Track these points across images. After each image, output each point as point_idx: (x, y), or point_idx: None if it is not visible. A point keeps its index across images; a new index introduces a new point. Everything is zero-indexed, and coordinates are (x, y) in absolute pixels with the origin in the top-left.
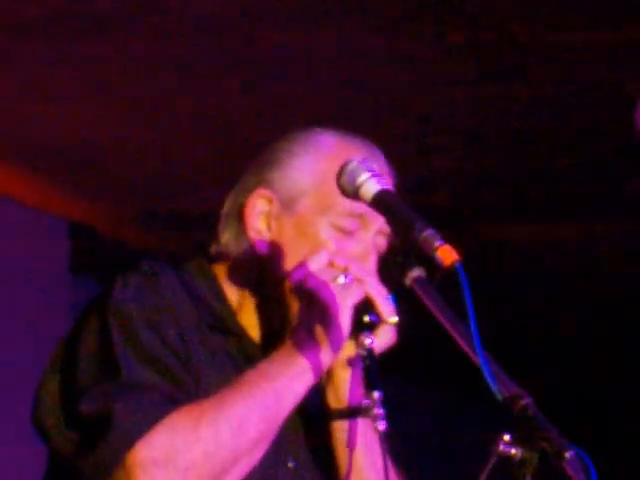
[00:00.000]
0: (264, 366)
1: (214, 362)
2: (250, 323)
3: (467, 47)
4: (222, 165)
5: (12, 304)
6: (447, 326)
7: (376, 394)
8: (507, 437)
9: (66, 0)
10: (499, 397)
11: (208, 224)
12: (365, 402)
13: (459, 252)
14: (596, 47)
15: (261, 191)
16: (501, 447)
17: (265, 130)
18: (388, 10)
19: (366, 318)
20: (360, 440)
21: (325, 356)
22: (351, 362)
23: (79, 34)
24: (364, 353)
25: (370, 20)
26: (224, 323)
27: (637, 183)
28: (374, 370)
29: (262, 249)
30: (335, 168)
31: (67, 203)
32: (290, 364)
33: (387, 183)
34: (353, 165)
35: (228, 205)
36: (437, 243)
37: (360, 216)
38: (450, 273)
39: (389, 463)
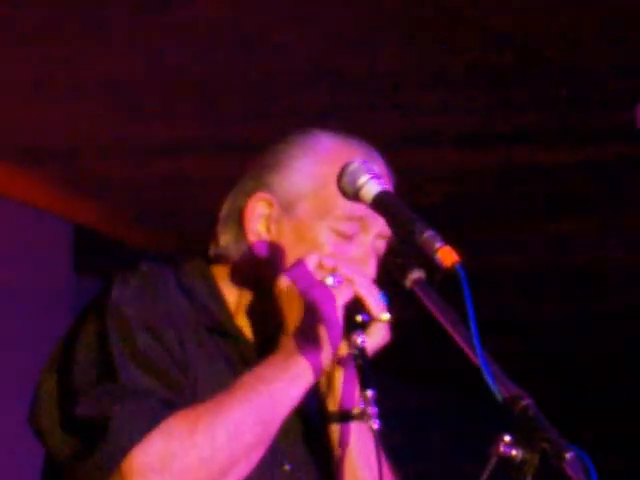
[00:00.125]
0: (260, 370)
1: (211, 365)
2: (248, 325)
3: None
4: (227, 166)
5: (15, 304)
6: (447, 327)
7: (369, 393)
8: (507, 438)
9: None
10: (499, 398)
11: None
12: (359, 402)
13: (459, 254)
14: None
15: (261, 194)
16: (501, 448)
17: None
18: None
19: (358, 317)
20: (354, 439)
21: (321, 358)
22: (343, 362)
23: (79, 37)
24: (356, 352)
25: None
26: (222, 325)
27: None
28: (367, 369)
29: (261, 252)
30: (333, 171)
31: (71, 204)
32: (286, 367)
33: (387, 185)
34: (354, 167)
35: (227, 208)
36: (437, 244)
37: (359, 219)
38: (451, 274)
39: (383, 461)
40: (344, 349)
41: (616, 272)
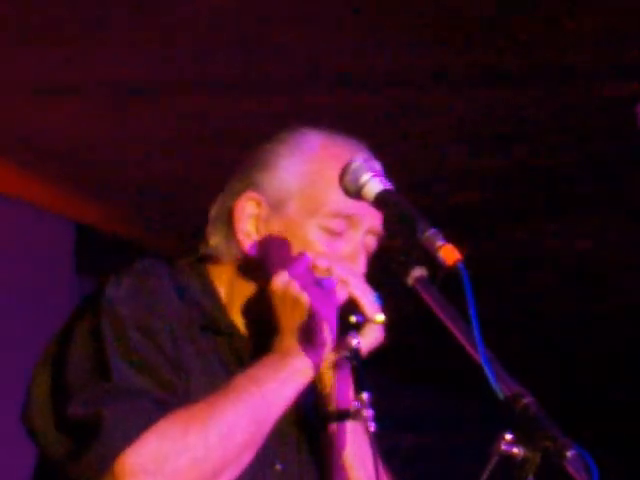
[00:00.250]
0: (253, 370)
1: (205, 363)
2: (242, 323)
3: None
4: (229, 168)
5: (16, 304)
6: (449, 325)
7: (365, 395)
8: (509, 436)
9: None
10: (501, 396)
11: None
12: (354, 404)
13: (461, 252)
14: None
15: (249, 194)
16: (503, 446)
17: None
18: None
19: (352, 318)
20: (350, 441)
21: (315, 358)
22: (338, 363)
23: (84, 36)
24: (350, 354)
25: None
26: (215, 322)
27: None
28: (361, 371)
29: (252, 251)
30: (322, 169)
31: (72, 204)
32: (279, 368)
33: (387, 182)
34: (356, 165)
35: (216, 208)
36: (439, 242)
37: (348, 217)
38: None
39: (379, 463)
40: (338, 350)
41: (616, 272)
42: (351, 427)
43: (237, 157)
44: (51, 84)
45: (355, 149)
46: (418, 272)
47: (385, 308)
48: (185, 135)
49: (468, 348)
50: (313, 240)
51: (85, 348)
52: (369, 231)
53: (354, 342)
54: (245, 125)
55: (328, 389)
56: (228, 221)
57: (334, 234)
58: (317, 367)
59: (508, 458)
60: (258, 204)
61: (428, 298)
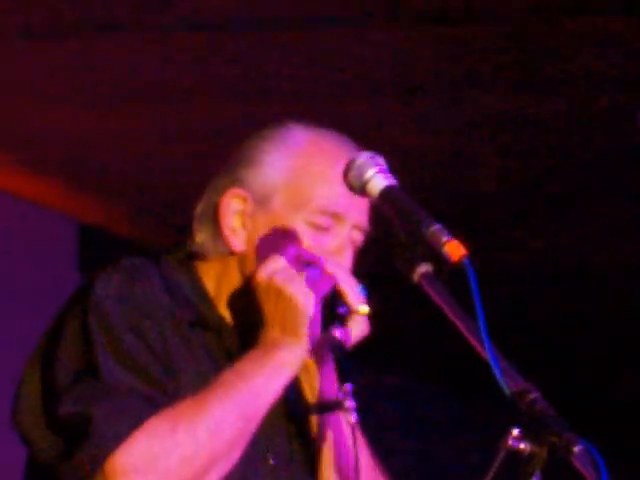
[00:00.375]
0: (240, 365)
1: (194, 360)
2: (230, 317)
3: None
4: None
5: (20, 303)
6: (455, 321)
7: (347, 387)
8: (516, 431)
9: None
10: (507, 392)
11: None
12: (338, 395)
13: (466, 248)
14: None
15: (235, 190)
16: (510, 442)
17: None
18: None
19: (336, 310)
20: (335, 432)
21: (300, 351)
22: (322, 355)
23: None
24: (335, 345)
25: None
26: (204, 319)
27: None
28: (345, 362)
29: (238, 247)
30: (307, 163)
31: (76, 203)
32: (265, 362)
33: (391, 178)
34: (360, 161)
35: (202, 205)
36: (445, 238)
37: (333, 214)
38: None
39: (362, 454)
40: (323, 342)
41: (616, 272)
42: (335, 418)
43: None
44: (53, 84)
45: (342, 144)
46: (423, 268)
47: (370, 300)
48: (188, 135)
49: (474, 344)
50: (299, 234)
51: (74, 347)
52: (355, 226)
53: (338, 334)
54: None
55: (313, 381)
56: (214, 218)
57: (320, 229)
58: (302, 360)
59: (515, 453)
60: (243, 200)
61: (434, 294)
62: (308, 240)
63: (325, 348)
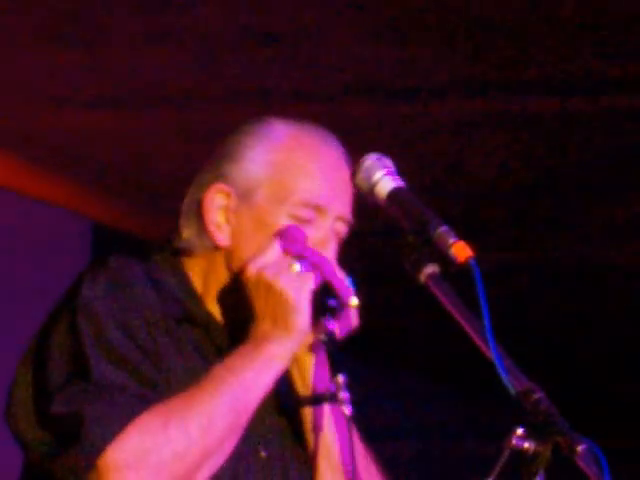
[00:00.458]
0: (230, 360)
1: (184, 356)
2: (219, 313)
3: None
4: None
5: (33, 303)
6: (461, 322)
7: (341, 378)
8: (520, 431)
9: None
10: (512, 391)
11: None
12: (331, 387)
13: (472, 249)
14: None
15: (218, 185)
16: (514, 441)
17: None
18: None
19: (326, 303)
20: (328, 423)
21: (290, 344)
22: (314, 348)
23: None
24: (326, 338)
25: None
26: (192, 315)
27: None
28: (337, 354)
29: (223, 242)
30: (289, 157)
31: (90, 202)
32: (255, 356)
33: (399, 180)
34: (368, 163)
35: (187, 201)
36: (451, 240)
37: (316, 206)
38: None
39: (357, 445)
40: (314, 335)
41: (616, 272)
42: (329, 410)
43: None
44: (54, 86)
45: (323, 138)
46: (430, 269)
47: (359, 292)
48: (207, 139)
49: (480, 344)
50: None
51: (64, 347)
52: (339, 218)
53: (329, 326)
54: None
55: (304, 373)
56: (198, 213)
57: (303, 222)
58: (292, 353)
59: (519, 452)
60: (227, 195)
61: (440, 295)
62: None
63: (317, 340)
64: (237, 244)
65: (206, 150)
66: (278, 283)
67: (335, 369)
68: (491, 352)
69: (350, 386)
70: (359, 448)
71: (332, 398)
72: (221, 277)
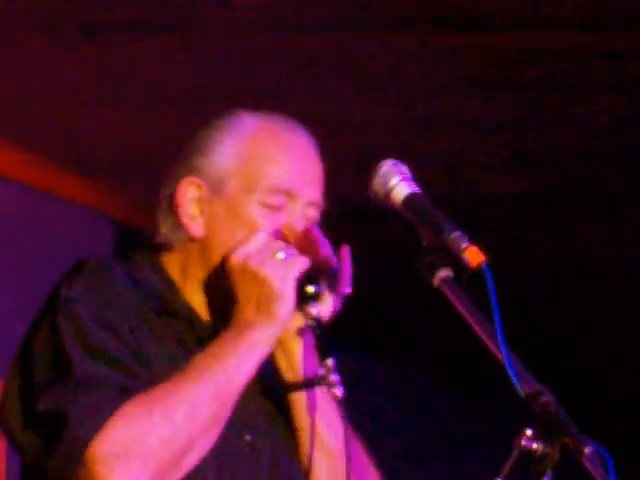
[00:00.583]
0: (213, 347)
1: (165, 348)
2: (201, 305)
3: None
4: None
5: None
6: (474, 326)
7: (329, 361)
8: (529, 432)
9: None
10: (521, 394)
11: None
12: (320, 371)
13: (485, 253)
14: None
15: (189, 179)
16: (523, 442)
17: None
18: None
19: (310, 289)
20: (320, 406)
21: (273, 330)
22: (301, 333)
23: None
24: (312, 323)
25: None
26: (172, 307)
27: None
28: (324, 338)
29: (198, 233)
30: (258, 148)
31: (111, 200)
32: (238, 343)
33: (414, 186)
34: (385, 169)
35: (161, 198)
36: (465, 244)
37: (286, 192)
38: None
39: (349, 427)
40: (299, 320)
41: (616, 272)
42: (319, 394)
43: None
44: (91, 88)
45: (290, 128)
46: (444, 273)
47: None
48: None
49: (491, 347)
50: (254, 216)
51: (46, 348)
52: (309, 203)
53: (314, 311)
54: None
55: (292, 358)
56: (172, 208)
57: (274, 209)
58: (275, 338)
59: (528, 453)
60: (199, 187)
61: (453, 298)
62: (263, 220)
63: (303, 325)
64: (211, 235)
65: None
66: (262, 271)
67: (323, 353)
68: (502, 355)
69: (340, 370)
70: (349, 430)
71: (322, 381)
72: (198, 269)
